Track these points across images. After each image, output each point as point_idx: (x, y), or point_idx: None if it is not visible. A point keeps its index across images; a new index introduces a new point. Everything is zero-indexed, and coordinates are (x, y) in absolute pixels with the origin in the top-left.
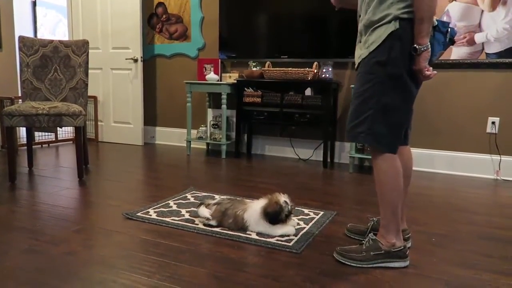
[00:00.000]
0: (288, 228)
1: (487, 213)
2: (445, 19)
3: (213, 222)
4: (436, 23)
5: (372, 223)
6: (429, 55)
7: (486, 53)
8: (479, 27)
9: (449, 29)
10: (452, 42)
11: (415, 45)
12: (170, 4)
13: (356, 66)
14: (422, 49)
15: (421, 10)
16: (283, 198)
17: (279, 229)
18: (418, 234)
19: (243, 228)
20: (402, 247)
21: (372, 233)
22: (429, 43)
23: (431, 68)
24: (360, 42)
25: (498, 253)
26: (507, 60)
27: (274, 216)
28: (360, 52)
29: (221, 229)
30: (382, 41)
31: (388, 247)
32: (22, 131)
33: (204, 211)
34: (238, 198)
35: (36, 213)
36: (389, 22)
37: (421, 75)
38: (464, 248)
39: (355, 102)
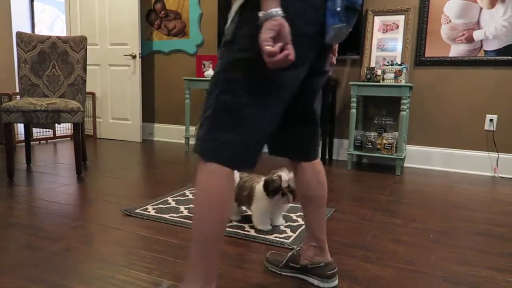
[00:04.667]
0: (265, 226)
1: (485, 210)
2: None
3: (234, 218)
4: None
5: (293, 253)
6: (278, 28)
7: (484, 50)
8: (477, 25)
9: None
10: (354, 10)
11: (259, 12)
12: (168, 0)
13: None
14: (264, 16)
15: None
16: (280, 173)
17: (258, 222)
18: (415, 231)
19: (250, 202)
20: None
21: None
22: (277, 11)
23: (279, 44)
24: None
25: (495, 250)
26: (505, 58)
27: (265, 185)
28: None
29: None
30: (234, 14)
31: None
32: (20, 127)
33: (236, 175)
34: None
35: (35, 209)
36: None
37: (262, 51)
38: (461, 244)
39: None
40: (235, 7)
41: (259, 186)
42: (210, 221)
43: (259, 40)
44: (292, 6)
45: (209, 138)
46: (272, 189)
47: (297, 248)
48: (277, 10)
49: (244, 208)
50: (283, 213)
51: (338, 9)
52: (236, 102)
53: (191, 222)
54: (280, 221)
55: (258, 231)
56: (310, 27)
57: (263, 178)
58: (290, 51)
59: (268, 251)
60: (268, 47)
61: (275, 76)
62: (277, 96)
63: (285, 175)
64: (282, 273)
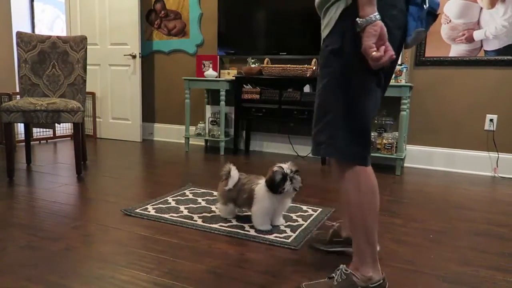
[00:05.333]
0: (265, 226)
1: (485, 210)
2: None
3: (230, 217)
4: None
5: (334, 229)
6: (378, 32)
7: (484, 50)
8: (478, 24)
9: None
10: (434, 16)
11: (356, 19)
12: (168, 0)
13: None
14: (363, 22)
15: None
16: (280, 164)
17: (260, 224)
18: (415, 231)
19: (251, 204)
20: (381, 281)
21: (344, 266)
22: (376, 15)
23: (383, 47)
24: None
25: (495, 250)
26: (505, 58)
27: (269, 182)
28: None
29: (220, 226)
30: (335, 23)
31: (365, 282)
32: (20, 127)
33: (235, 173)
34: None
35: (34, 209)
36: None
37: (368, 58)
38: (461, 244)
39: (315, 104)
40: (334, 14)
41: (258, 188)
42: (370, 213)
43: (363, 47)
44: (387, 12)
45: (335, 139)
46: (279, 181)
47: (337, 224)
48: (375, 15)
49: (243, 209)
50: (283, 213)
51: (421, 15)
52: (357, 103)
53: (191, 221)
54: (280, 221)
55: (258, 231)
56: (398, 30)
57: (261, 179)
58: (392, 51)
59: (268, 251)
60: (374, 53)
61: (379, 72)
62: (380, 91)
63: (283, 164)
64: (329, 249)
